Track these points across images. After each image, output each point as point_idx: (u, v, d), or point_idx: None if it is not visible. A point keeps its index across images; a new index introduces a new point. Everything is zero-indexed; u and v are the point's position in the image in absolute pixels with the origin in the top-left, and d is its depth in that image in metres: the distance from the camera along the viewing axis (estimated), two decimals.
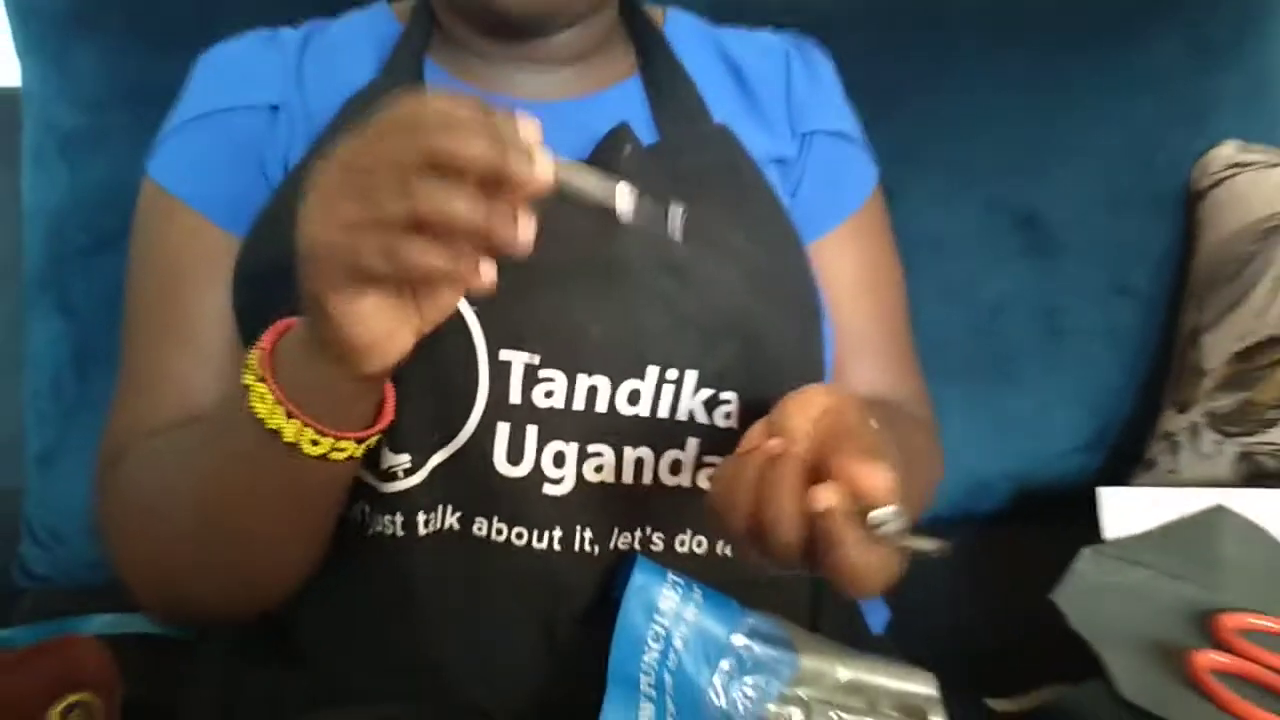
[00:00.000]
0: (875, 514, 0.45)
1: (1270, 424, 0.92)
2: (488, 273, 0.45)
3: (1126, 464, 1.03)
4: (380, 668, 0.60)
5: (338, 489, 0.55)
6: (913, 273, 0.94)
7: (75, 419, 0.94)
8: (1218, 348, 0.98)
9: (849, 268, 0.75)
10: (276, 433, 0.49)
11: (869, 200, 0.77)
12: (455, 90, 0.50)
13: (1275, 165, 1.00)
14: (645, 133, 0.68)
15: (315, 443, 0.50)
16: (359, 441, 0.52)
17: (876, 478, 0.44)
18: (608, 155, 0.64)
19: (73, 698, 0.66)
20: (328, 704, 0.59)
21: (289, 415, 0.49)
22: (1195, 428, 0.97)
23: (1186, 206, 1.06)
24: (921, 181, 1.03)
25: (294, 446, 0.50)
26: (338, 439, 0.50)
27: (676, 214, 0.49)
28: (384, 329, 0.46)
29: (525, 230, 0.43)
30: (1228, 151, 1.04)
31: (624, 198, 0.47)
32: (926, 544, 0.47)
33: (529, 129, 0.43)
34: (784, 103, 0.74)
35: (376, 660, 0.60)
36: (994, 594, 0.93)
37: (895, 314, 0.78)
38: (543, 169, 0.43)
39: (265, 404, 0.49)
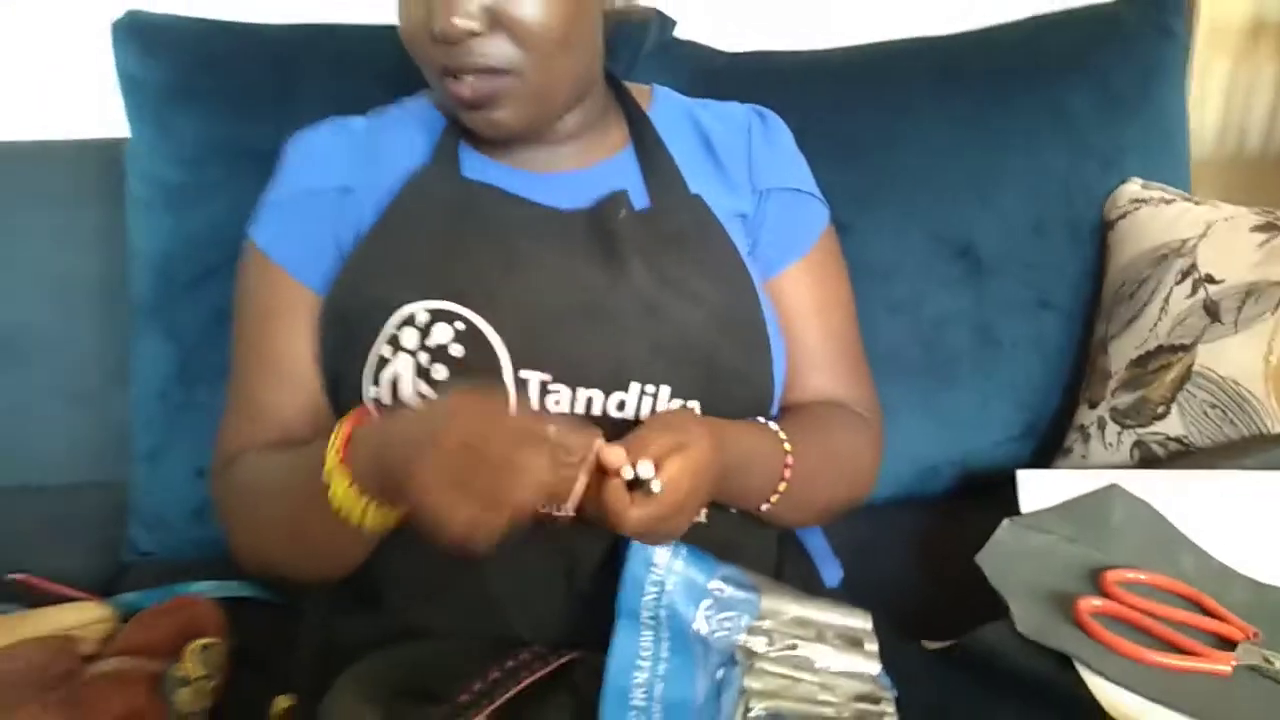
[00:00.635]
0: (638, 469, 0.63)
1: (1159, 418, 1.02)
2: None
3: (1050, 451, 1.12)
4: (445, 611, 0.72)
5: (386, 530, 0.67)
6: (868, 294, 1.03)
7: (178, 423, 1.05)
8: (1120, 354, 1.07)
9: (804, 296, 0.84)
10: (348, 513, 0.63)
11: (820, 240, 0.86)
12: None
13: (1170, 202, 1.10)
14: (638, 197, 0.78)
15: (377, 514, 0.63)
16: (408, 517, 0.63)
17: (609, 454, 0.62)
18: (607, 216, 0.75)
19: (203, 640, 0.81)
20: (401, 639, 0.72)
21: (360, 494, 0.62)
22: (1101, 421, 1.06)
23: (1099, 235, 1.15)
24: (874, 217, 1.12)
25: (359, 520, 0.63)
26: (396, 512, 0.63)
27: None
28: (471, 519, 0.57)
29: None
30: (1132, 189, 1.13)
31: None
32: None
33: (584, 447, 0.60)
34: (745, 166, 0.84)
35: (442, 605, 0.73)
36: (936, 559, 1.01)
37: (846, 332, 0.87)
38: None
39: (337, 488, 0.62)
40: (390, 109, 0.85)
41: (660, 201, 0.79)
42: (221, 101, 1.06)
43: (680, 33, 1.19)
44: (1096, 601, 0.80)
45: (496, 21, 0.70)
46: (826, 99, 1.15)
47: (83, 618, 0.88)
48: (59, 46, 1.25)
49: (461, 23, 0.68)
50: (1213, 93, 1.71)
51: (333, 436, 0.64)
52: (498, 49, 0.70)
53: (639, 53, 1.09)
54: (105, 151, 1.16)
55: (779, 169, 0.86)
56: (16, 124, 1.25)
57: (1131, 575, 0.83)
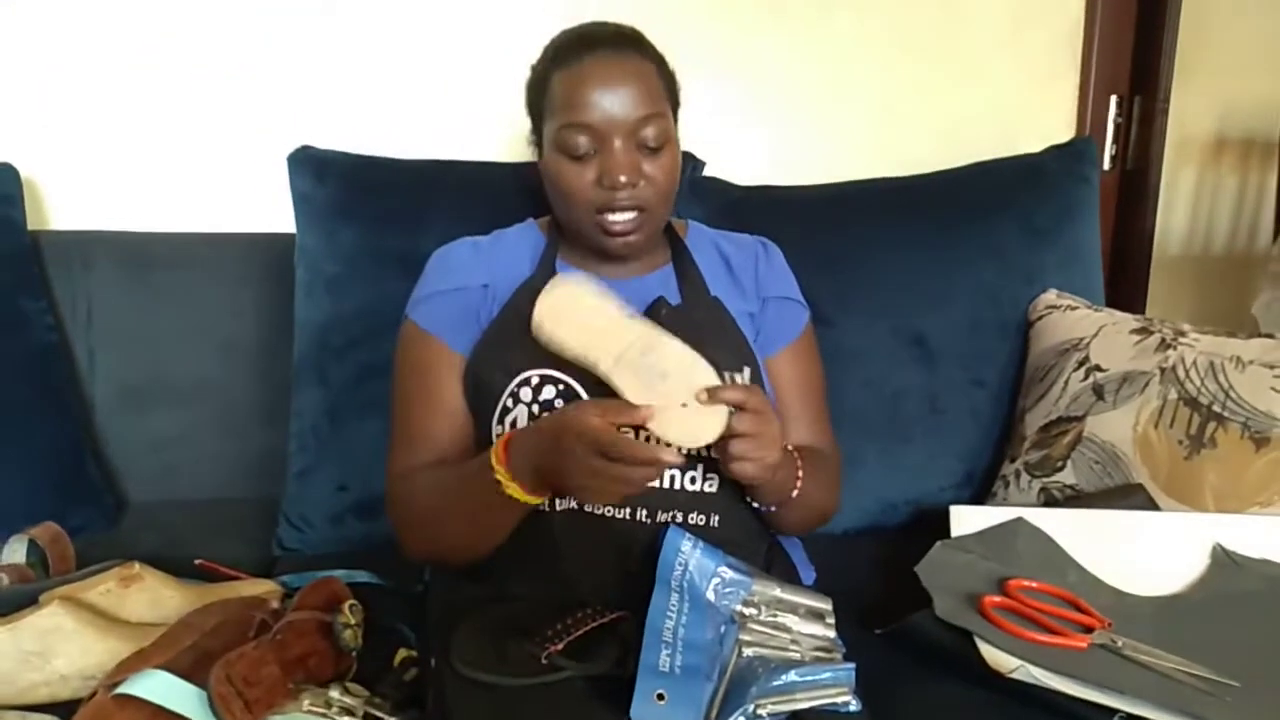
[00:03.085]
0: None
1: (1059, 470, 1.17)
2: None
3: (981, 494, 1.26)
4: (531, 582, 0.91)
5: (528, 510, 0.86)
6: (845, 372, 1.21)
7: (326, 449, 1.22)
8: (1032, 422, 1.22)
9: (789, 373, 1.03)
10: (512, 496, 0.82)
11: (801, 334, 1.05)
12: (595, 408, 0.80)
13: (1075, 309, 1.26)
14: (673, 298, 0.98)
15: (526, 498, 0.82)
16: (541, 498, 0.84)
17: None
18: (654, 314, 0.94)
19: (350, 601, 0.97)
20: (503, 601, 0.91)
21: (513, 480, 0.82)
22: (1018, 472, 1.21)
23: (1022, 332, 1.29)
24: (851, 315, 1.28)
25: (512, 498, 0.83)
26: (536, 497, 0.83)
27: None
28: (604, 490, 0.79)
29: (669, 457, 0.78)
30: (1048, 298, 1.30)
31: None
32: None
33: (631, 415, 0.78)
34: (753, 279, 1.03)
35: (528, 576, 0.92)
36: (894, 574, 1.06)
37: (816, 398, 1.05)
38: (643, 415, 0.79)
39: (504, 478, 0.82)
40: (505, 232, 1.04)
41: (689, 300, 0.99)
42: (370, 216, 1.23)
43: (707, 171, 1.36)
44: (998, 599, 0.96)
45: (644, 176, 0.91)
46: (819, 223, 1.31)
47: (260, 589, 1.07)
48: (243, 162, 1.43)
49: (627, 177, 0.90)
50: (1180, 199, 1.82)
51: (495, 445, 0.84)
52: (643, 194, 0.92)
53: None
54: (270, 243, 1.35)
55: (776, 282, 1.05)
56: (206, 219, 1.43)
57: (1028, 583, 0.99)
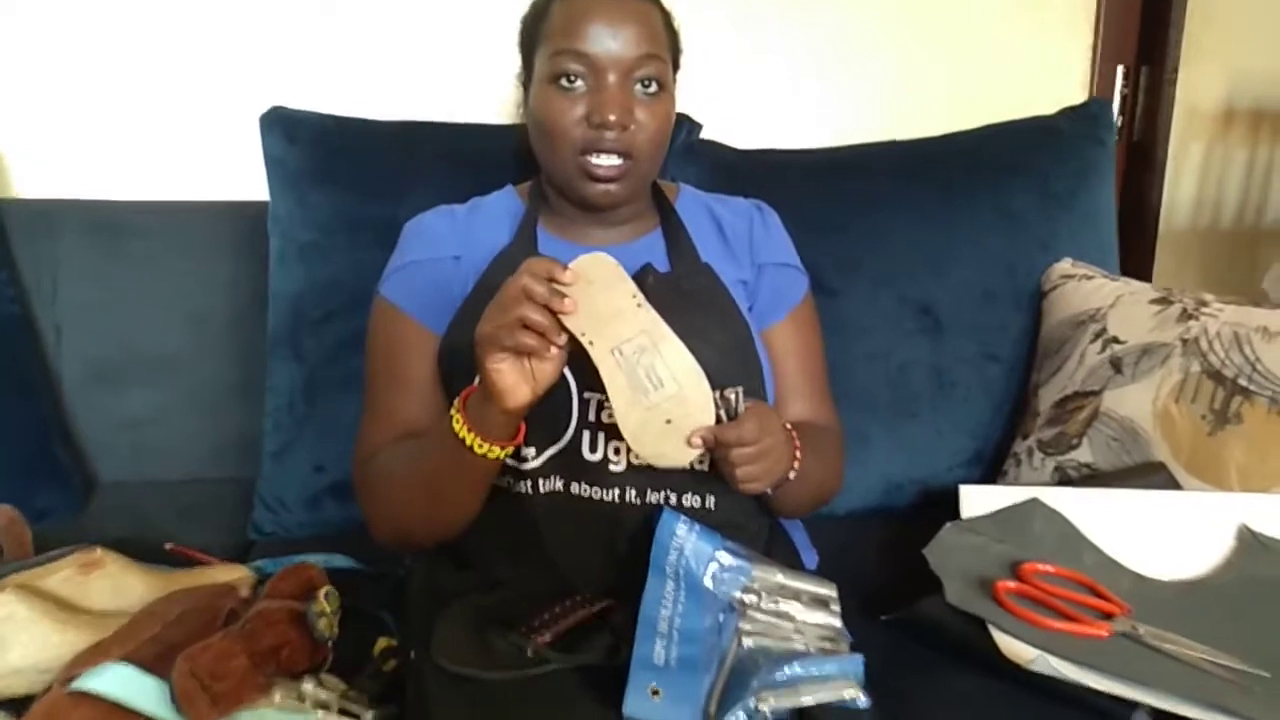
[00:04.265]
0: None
1: (1074, 448, 1.13)
2: (553, 352, 0.75)
3: (991, 474, 1.22)
4: (516, 567, 0.88)
5: (489, 474, 0.83)
6: (849, 345, 1.17)
7: (302, 428, 1.19)
8: (1046, 397, 1.18)
9: (788, 345, 0.99)
10: (463, 441, 0.78)
11: (800, 303, 1.01)
12: (546, 256, 0.77)
13: (1091, 279, 1.22)
14: (662, 265, 0.93)
15: (480, 446, 0.78)
16: (502, 449, 0.79)
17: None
18: (640, 281, 0.87)
19: (325, 588, 0.93)
20: (485, 589, 0.88)
21: (470, 430, 0.78)
22: (1030, 450, 1.17)
23: (1036, 302, 1.25)
24: (855, 284, 1.23)
25: (470, 449, 0.78)
26: (492, 445, 0.79)
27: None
28: (512, 381, 0.75)
29: (562, 339, 0.75)
30: (1063, 267, 1.25)
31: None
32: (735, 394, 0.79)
33: (565, 274, 0.74)
34: (747, 245, 0.98)
35: (514, 563, 0.89)
36: (901, 557, 1.03)
37: (816, 371, 1.01)
38: (568, 303, 0.74)
39: (459, 425, 0.78)
40: (482, 200, 1.00)
41: (678, 268, 0.95)
42: (346, 181, 1.19)
43: (704, 134, 1.32)
44: (1012, 584, 0.93)
45: (635, 120, 0.87)
46: (819, 188, 1.27)
47: (230, 576, 1.03)
48: (213, 126, 1.39)
49: (618, 116, 0.86)
50: (1188, 173, 1.79)
51: (456, 400, 0.81)
52: (632, 139, 0.88)
53: (671, 149, 1.18)
54: (243, 210, 1.31)
55: (773, 248, 1.01)
56: (175, 187, 1.40)
57: (1043, 567, 0.95)
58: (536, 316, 0.74)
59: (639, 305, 0.80)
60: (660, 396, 0.80)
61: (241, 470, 1.28)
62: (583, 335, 0.79)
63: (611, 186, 0.90)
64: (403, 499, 0.88)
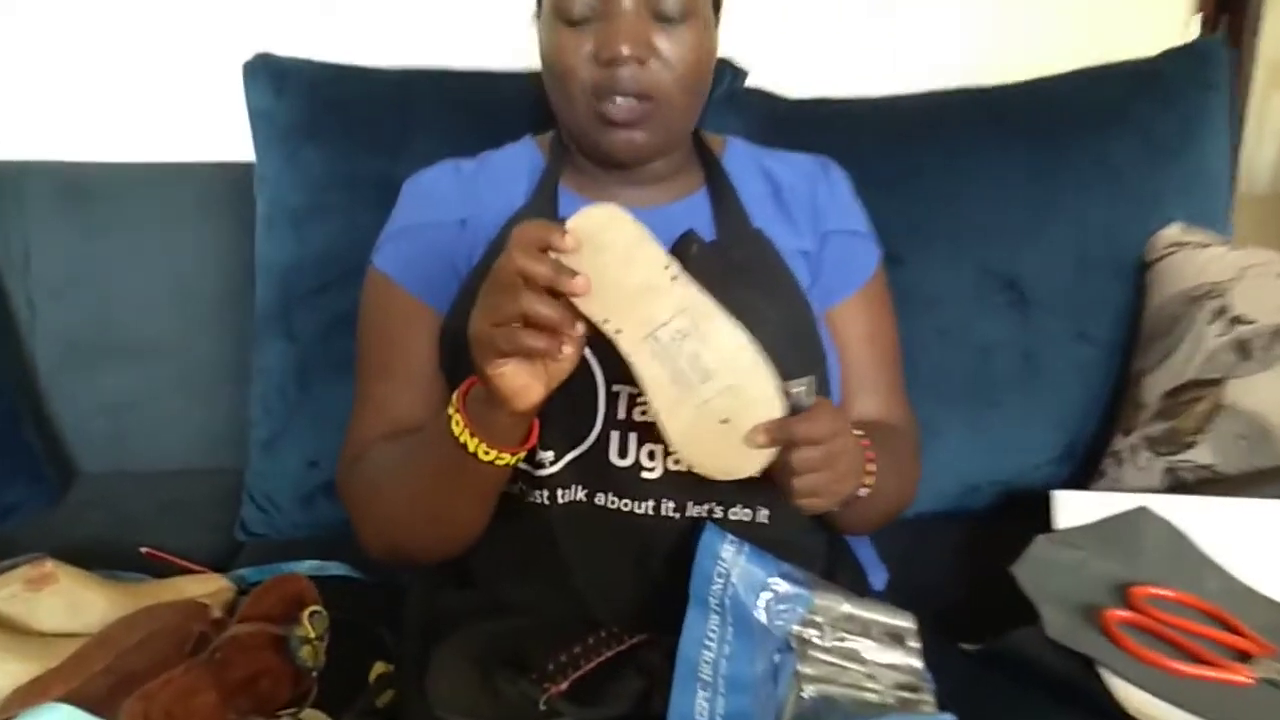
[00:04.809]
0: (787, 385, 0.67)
1: (1189, 446, 1.02)
2: (568, 350, 0.62)
3: (1086, 473, 1.11)
4: (530, 589, 0.78)
5: (497, 483, 0.72)
6: (920, 320, 1.07)
7: (294, 415, 1.10)
8: (1154, 387, 1.07)
9: (856, 328, 0.88)
10: (464, 446, 0.67)
11: (872, 278, 0.90)
12: (541, 220, 0.64)
13: (1206, 246, 1.10)
14: (707, 232, 0.82)
15: (486, 453, 0.67)
16: (512, 454, 0.68)
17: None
18: (681, 251, 0.78)
19: (313, 607, 0.84)
20: (494, 614, 0.77)
21: (472, 435, 0.67)
22: (1134, 448, 1.06)
23: (1138, 274, 1.14)
24: (927, 251, 1.13)
25: (473, 455, 0.67)
26: (500, 452, 0.67)
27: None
28: (521, 384, 0.63)
29: (579, 329, 0.62)
30: (1172, 233, 1.13)
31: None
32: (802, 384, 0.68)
33: (563, 239, 0.61)
34: (810, 209, 0.87)
35: (527, 585, 0.78)
36: (977, 570, 1.01)
37: (891, 360, 0.91)
38: (580, 283, 0.61)
39: (459, 428, 0.67)
40: (495, 153, 0.89)
41: (726, 235, 0.84)
42: (341, 136, 1.10)
43: (750, 81, 1.21)
44: (1123, 613, 0.82)
45: (656, 54, 0.76)
46: (883, 143, 1.17)
47: (206, 588, 0.95)
48: (194, 79, 1.31)
49: (631, 50, 0.74)
50: (1270, 130, 1.70)
51: (455, 394, 0.69)
52: (653, 77, 0.76)
53: (711, 99, 1.11)
54: (229, 174, 1.22)
55: (840, 213, 0.89)
56: (153, 147, 1.31)
57: (1158, 591, 0.85)
58: (541, 309, 0.61)
59: (673, 277, 0.66)
60: (711, 390, 0.67)
61: (233, 461, 1.21)
62: (605, 322, 0.65)
63: (635, 134, 0.78)
64: (395, 510, 0.78)
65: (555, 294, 0.62)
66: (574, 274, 0.61)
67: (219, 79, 1.21)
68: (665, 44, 0.76)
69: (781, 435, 0.67)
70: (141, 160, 1.28)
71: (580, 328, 0.63)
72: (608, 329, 0.66)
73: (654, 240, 0.66)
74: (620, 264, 0.65)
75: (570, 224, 0.63)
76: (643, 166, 0.83)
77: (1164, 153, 1.17)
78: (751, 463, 0.68)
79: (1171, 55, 1.22)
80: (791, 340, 0.80)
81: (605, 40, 0.75)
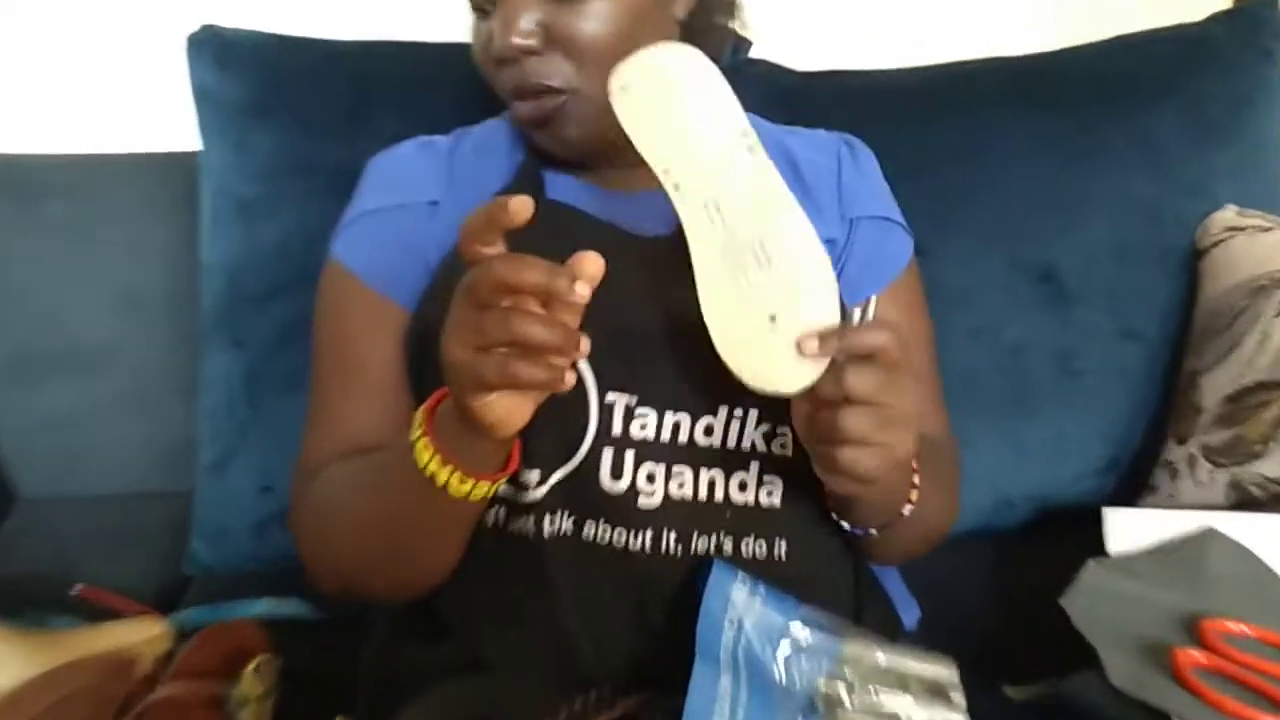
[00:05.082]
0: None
1: (1256, 457, 0.93)
2: (570, 379, 0.53)
3: (1133, 487, 1.04)
4: (511, 641, 0.68)
5: (471, 516, 0.64)
6: (945, 318, 0.98)
7: (245, 434, 1.01)
8: (1213, 389, 0.99)
9: None
10: (432, 475, 0.58)
11: (904, 271, 0.82)
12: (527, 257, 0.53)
13: (1268, 230, 1.02)
14: None
15: (460, 484, 0.58)
16: (491, 483, 0.60)
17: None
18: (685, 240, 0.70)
19: (259, 658, 0.77)
20: (468, 671, 0.68)
21: (442, 463, 0.58)
22: (1192, 458, 0.98)
23: (1189, 264, 1.07)
24: (952, 240, 1.06)
25: (444, 486, 0.58)
26: (476, 481, 0.59)
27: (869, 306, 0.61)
28: (505, 411, 0.55)
29: (584, 346, 0.52)
30: (1227, 216, 1.05)
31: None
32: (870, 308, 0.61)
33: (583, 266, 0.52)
34: (834, 192, 0.80)
35: (508, 634, 0.68)
36: (1014, 598, 0.95)
37: (925, 368, 0.83)
38: (581, 289, 0.51)
39: (426, 455, 0.58)
40: (474, 129, 0.81)
41: None
42: (296, 118, 1.03)
43: (754, 52, 1.09)
44: (1197, 654, 0.73)
45: (553, 40, 0.68)
46: (901, 119, 1.10)
47: (140, 635, 0.86)
48: (134, 59, 1.24)
49: (519, 41, 0.68)
50: None
51: (419, 411, 0.60)
52: (554, 68, 0.69)
53: None
54: (177, 165, 1.13)
55: (868, 197, 0.82)
56: (90, 137, 1.24)
57: (1233, 627, 0.76)
58: (537, 332, 0.51)
59: (751, 149, 0.62)
60: (766, 278, 0.60)
61: (186, 484, 1.11)
62: (665, 172, 0.61)
63: (559, 133, 0.72)
64: (350, 544, 0.68)
65: (546, 302, 0.53)
66: (572, 277, 0.51)
67: (166, 55, 1.11)
68: (565, 24, 0.68)
69: (836, 343, 0.58)
70: (78, 152, 1.20)
71: (585, 345, 0.53)
72: (666, 181, 0.61)
73: (734, 100, 0.62)
74: (695, 109, 0.61)
75: (646, 56, 0.60)
76: (612, 151, 0.74)
77: (1213, 128, 1.10)
78: (796, 375, 0.59)
79: (1220, 20, 1.15)
80: None
81: (494, 35, 0.69)
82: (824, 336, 0.58)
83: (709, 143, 0.61)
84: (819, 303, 0.60)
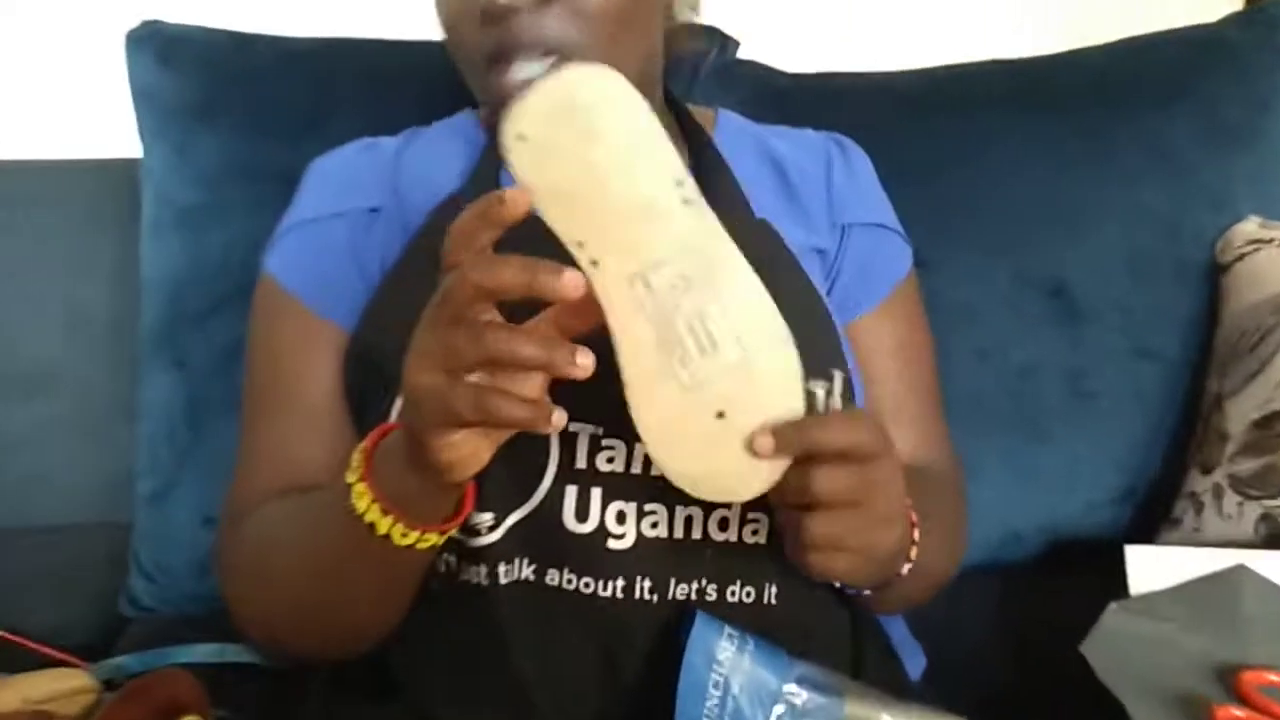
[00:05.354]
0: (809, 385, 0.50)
1: None
2: (559, 419, 0.46)
3: (1150, 518, 1.01)
4: (467, 700, 0.62)
5: (416, 568, 0.58)
6: (947, 338, 0.94)
7: (186, 464, 0.97)
8: (1239, 414, 0.95)
9: (885, 343, 0.76)
10: (372, 525, 0.52)
11: (903, 282, 0.78)
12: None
13: None
14: None
15: (404, 535, 0.52)
16: (441, 533, 0.54)
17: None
18: None
19: (192, 717, 0.68)
20: None
21: (384, 512, 0.52)
22: (1218, 489, 0.93)
23: (1209, 279, 1.04)
24: (955, 254, 1.03)
25: (385, 537, 0.52)
26: (424, 532, 0.53)
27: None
28: (469, 451, 0.49)
29: (584, 358, 0.45)
30: (1249, 229, 1.02)
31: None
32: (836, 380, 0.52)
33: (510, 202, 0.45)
34: (824, 197, 0.76)
35: (463, 693, 0.63)
36: (1025, 641, 0.92)
37: (927, 385, 0.79)
38: (570, 281, 0.43)
39: (364, 501, 0.52)
40: (425, 129, 0.77)
41: (723, 226, 0.69)
42: (244, 119, 0.99)
43: (743, 53, 1.12)
44: (1237, 711, 0.67)
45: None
46: (898, 124, 1.06)
47: (62, 687, 0.78)
48: (70, 59, 1.21)
49: None
50: None
51: (356, 452, 0.54)
52: (553, 25, 0.63)
53: (698, 73, 1.02)
54: (121, 172, 1.09)
55: (861, 203, 0.78)
56: (26, 143, 1.21)
57: (1271, 677, 0.70)
58: (522, 350, 0.44)
59: (685, 200, 0.49)
60: (712, 367, 0.50)
61: (123, 515, 1.06)
62: (579, 246, 0.48)
63: None
64: (281, 592, 0.63)
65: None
66: (559, 269, 0.43)
67: (106, 53, 1.08)
68: None
69: (797, 440, 0.50)
70: (11, 158, 1.17)
71: (589, 359, 0.46)
72: (581, 257, 0.48)
73: (665, 138, 0.48)
74: (613, 162, 0.47)
75: (541, 89, 0.46)
76: None
77: (1230, 134, 1.06)
78: (749, 478, 0.51)
79: (1237, 20, 1.12)
80: (810, 352, 0.65)
81: None
82: (781, 433, 0.49)
83: (631, 200, 0.48)
84: (775, 391, 0.51)
